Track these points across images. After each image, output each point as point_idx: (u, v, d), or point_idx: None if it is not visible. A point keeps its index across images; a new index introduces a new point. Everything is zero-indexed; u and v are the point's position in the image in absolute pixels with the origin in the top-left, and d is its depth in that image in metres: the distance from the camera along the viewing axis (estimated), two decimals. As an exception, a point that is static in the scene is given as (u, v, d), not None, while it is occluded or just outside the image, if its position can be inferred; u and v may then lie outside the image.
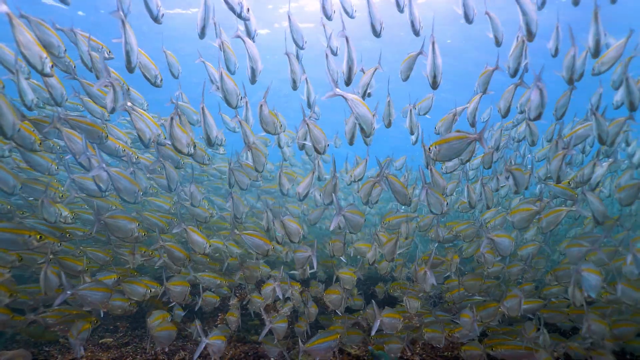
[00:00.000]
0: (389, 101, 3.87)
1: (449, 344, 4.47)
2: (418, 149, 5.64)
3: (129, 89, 4.36)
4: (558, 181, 3.55)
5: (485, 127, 2.81)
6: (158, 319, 3.55)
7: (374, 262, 4.29)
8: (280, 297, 3.94)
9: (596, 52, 3.31)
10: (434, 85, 3.27)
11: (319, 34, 4.08)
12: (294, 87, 4.12)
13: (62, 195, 4.04)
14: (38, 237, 3.34)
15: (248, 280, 4.46)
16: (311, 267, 4.19)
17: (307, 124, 3.34)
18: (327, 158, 5.67)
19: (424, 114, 4.55)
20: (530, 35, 3.20)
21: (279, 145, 4.87)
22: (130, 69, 3.32)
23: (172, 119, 3.42)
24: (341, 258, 4.64)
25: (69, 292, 3.18)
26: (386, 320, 3.49)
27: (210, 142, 3.73)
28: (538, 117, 3.21)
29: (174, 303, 4.11)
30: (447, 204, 3.42)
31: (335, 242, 4.29)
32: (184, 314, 4.45)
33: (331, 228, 3.40)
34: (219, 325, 5.15)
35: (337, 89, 2.70)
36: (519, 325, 4.24)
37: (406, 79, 3.75)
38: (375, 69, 3.65)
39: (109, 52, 3.94)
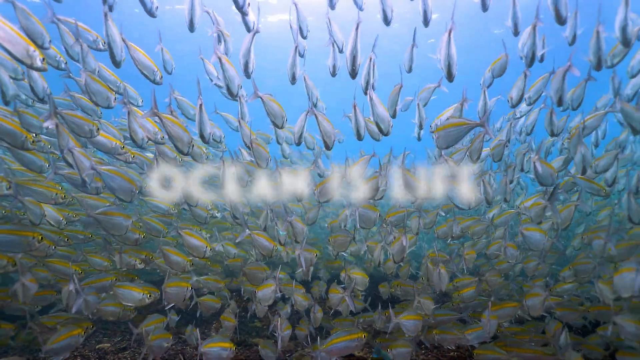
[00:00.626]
0: (399, 88, 3.61)
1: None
2: (422, 146, 5.42)
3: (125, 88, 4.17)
4: (583, 173, 3.31)
5: (487, 113, 2.66)
6: (151, 325, 3.31)
7: (379, 263, 4.04)
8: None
9: (625, 41, 2.95)
10: (449, 77, 3.02)
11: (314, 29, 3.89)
12: (293, 82, 3.90)
13: (64, 196, 3.84)
14: (40, 238, 3.19)
15: (252, 282, 4.23)
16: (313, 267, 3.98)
17: (316, 116, 3.10)
18: (328, 154, 5.45)
19: (423, 106, 4.32)
20: (560, 19, 2.96)
21: (278, 142, 4.64)
22: (115, 62, 3.13)
23: (129, 113, 3.23)
24: (344, 254, 4.41)
25: (80, 301, 3.08)
26: (407, 322, 3.23)
27: (204, 139, 3.52)
28: (560, 102, 2.96)
29: (169, 307, 3.88)
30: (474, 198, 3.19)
31: (338, 237, 3.93)
32: (177, 319, 4.19)
33: (358, 225, 3.22)
34: (220, 330, 4.90)
35: (371, 90, 2.87)
36: (529, 324, 4.00)
37: (409, 70, 3.58)
38: (371, 59, 3.38)
39: (104, 43, 3.75)
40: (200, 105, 3.35)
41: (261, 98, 3.39)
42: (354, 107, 3.31)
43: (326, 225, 5.66)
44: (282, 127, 3.58)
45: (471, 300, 3.82)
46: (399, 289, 4.44)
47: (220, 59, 3.15)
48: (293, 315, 4.56)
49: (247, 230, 3.57)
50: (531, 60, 3.17)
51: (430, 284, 4.18)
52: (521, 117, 4.47)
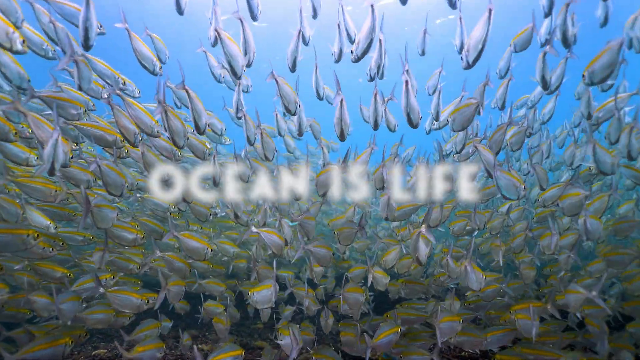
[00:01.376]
0: (407, 70, 3.24)
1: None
2: (429, 139, 5.04)
3: (125, 82, 3.79)
4: (629, 159, 2.93)
5: (483, 91, 2.34)
6: (143, 332, 2.89)
7: (393, 266, 3.67)
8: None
9: None
10: (474, 63, 2.60)
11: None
12: (293, 70, 3.54)
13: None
14: (36, 235, 2.82)
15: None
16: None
17: (342, 102, 2.75)
18: (335, 146, 5.07)
19: (431, 94, 3.96)
20: None
21: (280, 134, 4.24)
22: (87, 46, 2.77)
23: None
24: (348, 249, 4.02)
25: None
26: (443, 325, 2.85)
27: (199, 129, 3.16)
28: (606, 78, 2.57)
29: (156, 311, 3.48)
30: (523, 187, 2.80)
31: (343, 230, 3.50)
32: (171, 325, 3.77)
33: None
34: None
35: (406, 73, 2.64)
36: (547, 323, 3.64)
37: (422, 53, 3.23)
38: (380, 42, 2.97)
39: (100, 26, 3.38)
40: (188, 91, 2.98)
41: (276, 80, 3.13)
42: (375, 94, 2.99)
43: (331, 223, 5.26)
44: (294, 114, 3.32)
45: (490, 299, 3.44)
46: (404, 286, 4.04)
47: (219, 34, 2.76)
48: (295, 316, 4.19)
49: (254, 228, 3.22)
50: (564, 41, 2.79)
51: (442, 283, 3.83)
52: (532, 106, 4.12)
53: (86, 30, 2.65)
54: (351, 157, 3.72)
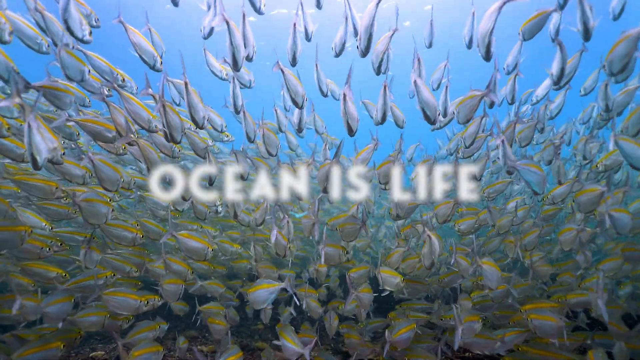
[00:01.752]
0: (418, 59, 3.03)
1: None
2: (432, 137, 4.88)
3: (124, 79, 3.62)
4: None
5: (494, 80, 2.43)
6: (138, 334, 2.70)
7: (397, 267, 3.51)
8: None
9: None
10: (487, 56, 2.43)
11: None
12: (293, 64, 3.39)
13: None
14: (30, 231, 2.70)
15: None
16: None
17: (345, 95, 2.58)
18: (337, 143, 4.88)
19: (436, 89, 3.80)
20: None
21: (280, 130, 4.05)
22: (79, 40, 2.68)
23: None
24: (351, 248, 3.84)
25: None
26: (465, 326, 2.69)
27: (197, 124, 2.99)
28: (623, 69, 2.41)
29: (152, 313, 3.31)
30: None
31: (346, 225, 3.30)
32: (167, 327, 3.60)
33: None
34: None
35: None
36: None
37: (429, 45, 3.07)
38: (394, 32, 2.80)
39: (97, 19, 3.22)
40: (186, 84, 2.80)
41: (282, 70, 2.93)
42: (384, 87, 2.81)
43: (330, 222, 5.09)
44: (301, 107, 3.15)
45: (500, 300, 3.27)
46: (406, 285, 3.85)
47: (227, 23, 2.57)
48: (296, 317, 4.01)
49: (275, 229, 3.08)
50: (585, 33, 2.62)
51: (448, 283, 3.66)
52: (537, 102, 3.96)
53: (66, 22, 2.48)
54: (345, 152, 3.53)
